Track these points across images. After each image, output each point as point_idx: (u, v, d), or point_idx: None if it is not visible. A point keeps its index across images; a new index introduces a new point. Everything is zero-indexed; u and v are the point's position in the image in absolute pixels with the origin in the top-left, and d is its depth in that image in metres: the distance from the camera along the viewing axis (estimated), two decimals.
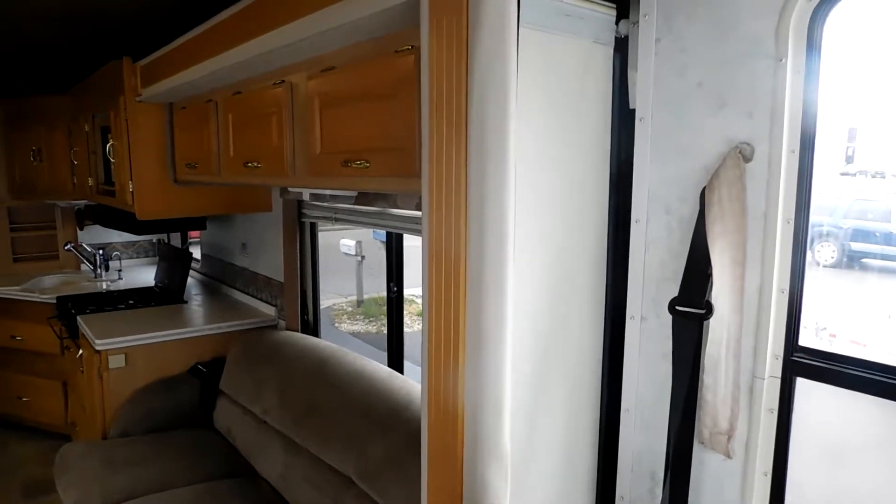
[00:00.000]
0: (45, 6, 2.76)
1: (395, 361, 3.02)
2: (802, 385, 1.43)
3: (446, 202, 1.35)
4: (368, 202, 2.73)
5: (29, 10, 2.81)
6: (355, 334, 10.29)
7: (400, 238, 2.90)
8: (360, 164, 1.81)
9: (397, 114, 1.66)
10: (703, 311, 1.45)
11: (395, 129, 1.68)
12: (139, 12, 2.83)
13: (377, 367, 2.74)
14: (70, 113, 4.45)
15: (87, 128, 4.06)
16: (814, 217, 1.36)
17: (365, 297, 11.39)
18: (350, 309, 11.75)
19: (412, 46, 1.57)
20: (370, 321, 10.31)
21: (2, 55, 3.88)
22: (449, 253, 1.36)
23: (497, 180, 1.27)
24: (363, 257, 11.21)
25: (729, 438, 1.47)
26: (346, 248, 11.20)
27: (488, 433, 1.32)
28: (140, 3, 2.70)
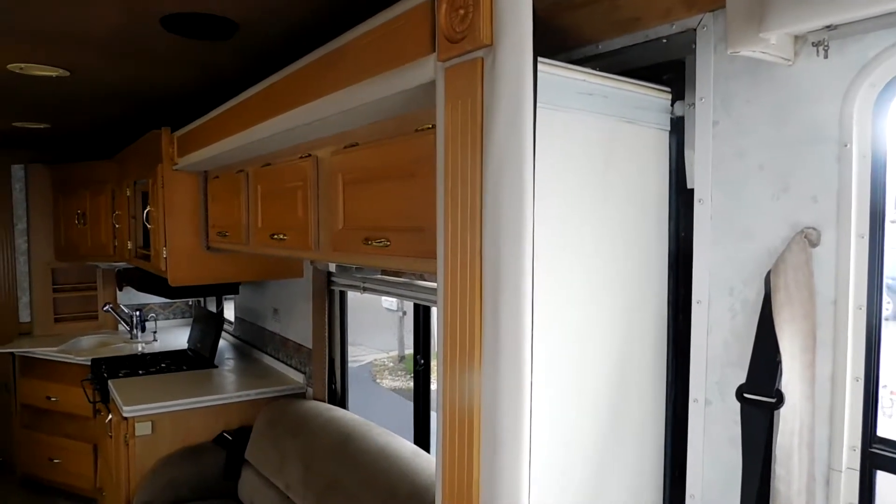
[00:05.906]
0: (119, 87, 2.93)
1: (421, 437, 2.92)
2: (883, 478, 1.32)
3: (461, 289, 1.29)
4: (396, 273, 2.69)
5: (104, 91, 2.99)
6: (396, 390, 10.16)
7: (427, 310, 2.83)
8: (381, 242, 1.76)
9: (417, 193, 1.61)
10: (773, 401, 1.36)
11: (415, 209, 1.63)
12: (182, 86, 2.93)
13: (402, 444, 2.65)
14: (114, 178, 4.57)
15: (128, 192, 4.15)
16: None
17: (406, 352, 11.33)
18: (391, 364, 11.68)
19: (432, 126, 1.54)
20: (412, 377, 10.22)
21: (70, 128, 4.11)
22: (464, 344, 1.29)
23: (513, 269, 1.20)
24: (405, 313, 11.20)
25: None
26: (388, 304, 11.20)
27: None
28: (183, 78, 2.79)
